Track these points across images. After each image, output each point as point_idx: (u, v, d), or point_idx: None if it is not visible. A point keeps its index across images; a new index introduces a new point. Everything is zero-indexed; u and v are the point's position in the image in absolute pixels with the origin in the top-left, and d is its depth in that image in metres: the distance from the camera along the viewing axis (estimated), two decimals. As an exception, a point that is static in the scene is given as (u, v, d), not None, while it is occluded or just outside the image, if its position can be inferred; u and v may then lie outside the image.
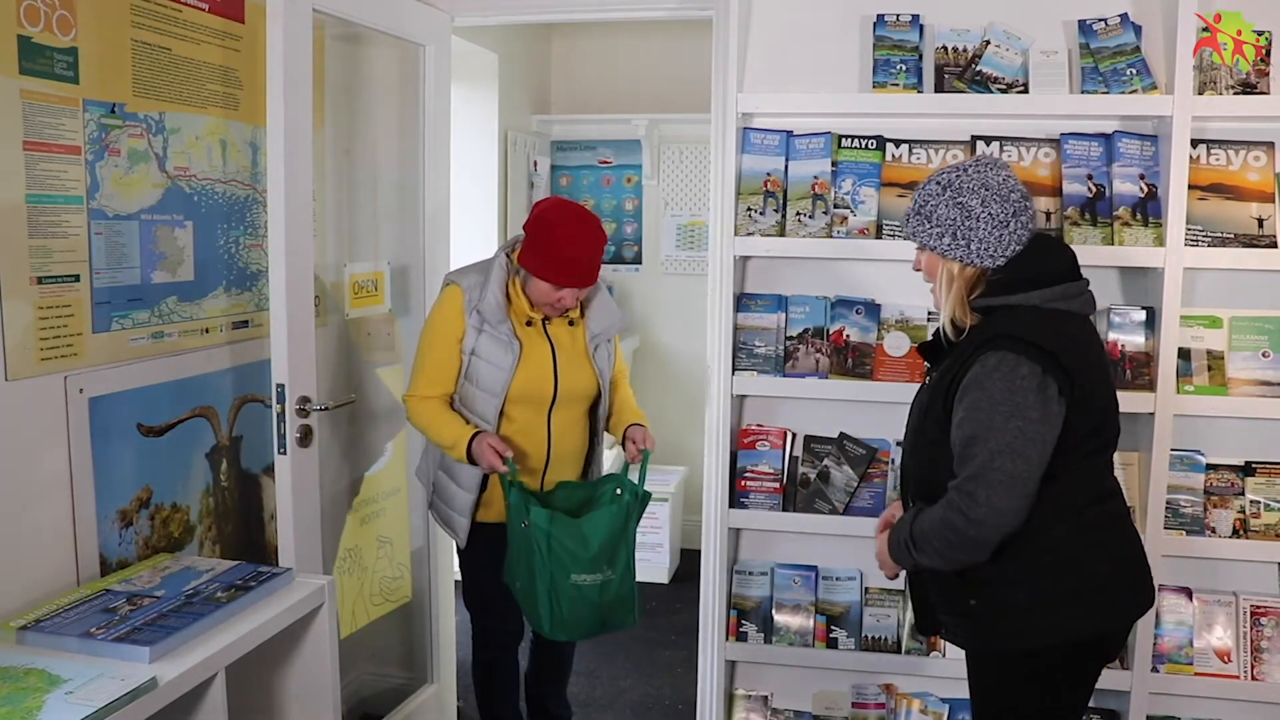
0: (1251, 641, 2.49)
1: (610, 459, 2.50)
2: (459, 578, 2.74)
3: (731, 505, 2.65)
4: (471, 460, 2.34)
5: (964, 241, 1.79)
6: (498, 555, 2.44)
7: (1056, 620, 1.77)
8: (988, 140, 2.55)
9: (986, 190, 1.78)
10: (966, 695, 1.97)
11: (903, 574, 2.02)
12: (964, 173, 1.81)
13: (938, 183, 1.83)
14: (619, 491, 2.41)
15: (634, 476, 2.44)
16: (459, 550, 2.57)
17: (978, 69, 2.50)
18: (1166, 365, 2.41)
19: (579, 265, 2.33)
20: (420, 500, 2.87)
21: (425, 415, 2.41)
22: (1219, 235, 2.42)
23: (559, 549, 2.29)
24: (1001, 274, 1.80)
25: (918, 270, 1.92)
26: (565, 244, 2.30)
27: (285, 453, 2.29)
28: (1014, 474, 1.67)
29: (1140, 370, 2.46)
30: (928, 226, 1.83)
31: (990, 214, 1.77)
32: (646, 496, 2.41)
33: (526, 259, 2.36)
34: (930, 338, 1.98)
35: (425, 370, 2.42)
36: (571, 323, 2.48)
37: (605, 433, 2.60)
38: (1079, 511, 1.78)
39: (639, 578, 2.45)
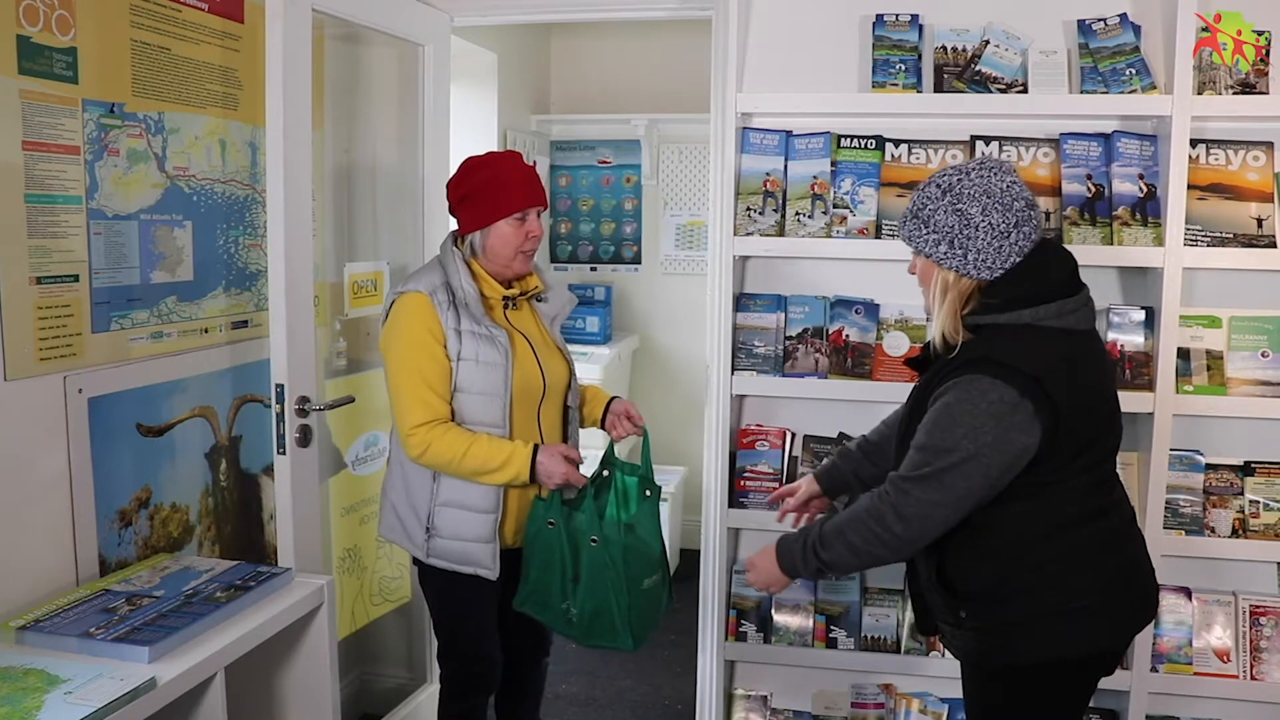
0: (1251, 641, 2.49)
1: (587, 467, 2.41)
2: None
3: (731, 505, 2.65)
4: (533, 479, 2.11)
5: (961, 251, 1.70)
6: (504, 586, 2.26)
7: (1046, 639, 1.74)
8: (987, 140, 2.55)
9: (988, 198, 1.69)
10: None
11: (902, 572, 2.01)
12: (966, 177, 1.71)
13: (938, 185, 1.74)
14: (605, 474, 2.30)
15: (622, 454, 2.37)
16: (450, 585, 2.24)
17: (977, 69, 2.50)
18: (1166, 365, 2.41)
19: (526, 181, 2.18)
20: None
21: (457, 441, 2.09)
22: (1218, 235, 2.42)
23: (632, 558, 2.15)
24: (996, 290, 1.72)
25: (912, 273, 1.85)
26: (501, 170, 2.17)
27: (285, 453, 2.30)
28: (953, 488, 1.65)
29: (1139, 370, 2.46)
30: (924, 231, 1.74)
31: (991, 224, 1.68)
32: (637, 470, 2.32)
33: (473, 219, 2.17)
34: (920, 352, 1.91)
35: (428, 383, 2.11)
36: (541, 299, 2.31)
37: (580, 428, 2.43)
38: (1068, 530, 1.74)
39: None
